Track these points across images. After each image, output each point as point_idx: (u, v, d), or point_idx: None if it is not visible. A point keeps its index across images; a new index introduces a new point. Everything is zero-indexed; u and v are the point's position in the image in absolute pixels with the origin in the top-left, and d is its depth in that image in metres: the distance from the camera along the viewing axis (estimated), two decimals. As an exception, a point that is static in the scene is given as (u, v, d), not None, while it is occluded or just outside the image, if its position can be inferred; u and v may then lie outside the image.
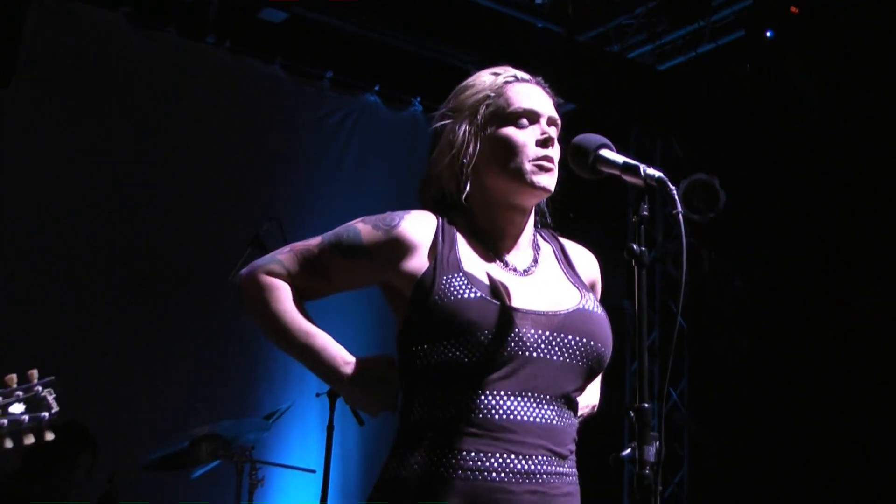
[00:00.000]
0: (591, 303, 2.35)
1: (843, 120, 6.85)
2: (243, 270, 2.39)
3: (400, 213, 2.36)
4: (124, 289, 6.55)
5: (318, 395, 5.44)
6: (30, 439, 2.43)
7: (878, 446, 6.54)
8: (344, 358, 2.30)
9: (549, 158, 2.33)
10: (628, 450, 1.89)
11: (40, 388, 2.48)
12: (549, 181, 2.33)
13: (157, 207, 6.77)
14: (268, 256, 2.40)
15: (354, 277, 2.37)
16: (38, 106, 6.46)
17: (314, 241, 2.38)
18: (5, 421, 2.43)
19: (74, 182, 6.52)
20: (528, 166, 2.31)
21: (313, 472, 5.67)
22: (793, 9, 6.47)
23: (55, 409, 2.47)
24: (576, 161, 2.22)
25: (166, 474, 5.33)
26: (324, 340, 2.31)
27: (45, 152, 6.46)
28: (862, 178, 6.90)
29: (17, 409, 2.44)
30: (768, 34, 6.62)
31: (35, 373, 2.50)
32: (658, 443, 1.88)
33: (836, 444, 6.73)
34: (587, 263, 2.54)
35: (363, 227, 2.35)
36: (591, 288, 2.47)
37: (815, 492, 6.73)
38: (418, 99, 8.03)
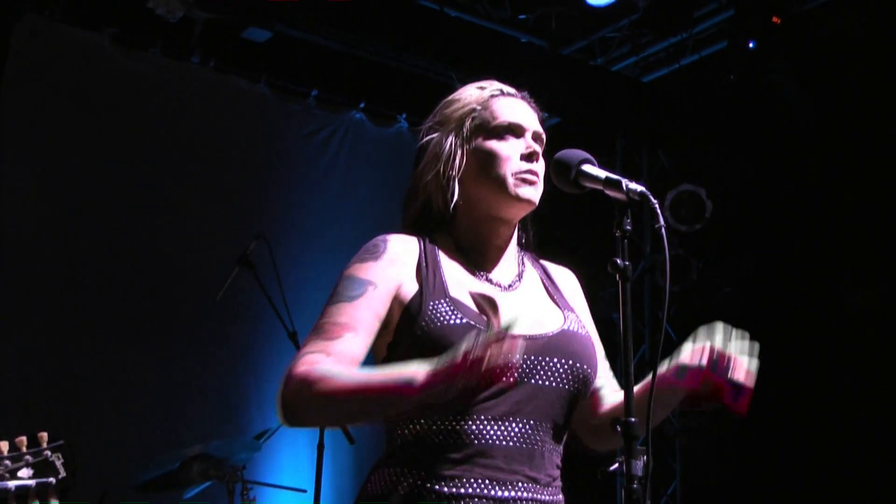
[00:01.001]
0: (575, 323, 2.35)
1: (829, 127, 6.88)
2: (289, 383, 2.13)
3: (381, 237, 2.33)
4: (112, 309, 6.53)
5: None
6: None
7: (874, 456, 6.54)
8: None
9: (533, 172, 2.33)
10: (616, 464, 1.89)
11: (49, 453, 2.51)
12: (532, 193, 2.33)
13: (143, 227, 6.76)
14: (295, 360, 2.17)
15: (375, 315, 2.24)
16: (22, 127, 6.46)
17: (322, 317, 2.24)
18: (13, 485, 2.46)
19: (60, 202, 6.50)
20: (512, 179, 2.31)
21: (304, 491, 5.65)
22: (774, 18, 6.50)
23: (62, 474, 2.51)
24: (558, 176, 2.23)
25: (158, 495, 5.30)
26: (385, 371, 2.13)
27: (30, 173, 6.45)
28: (849, 184, 6.93)
29: (24, 473, 2.47)
30: (750, 45, 6.65)
31: (45, 435, 2.53)
32: (646, 457, 1.88)
33: (829, 455, 6.72)
34: (569, 281, 2.55)
35: (353, 269, 2.28)
36: (575, 305, 2.48)
37: (815, 498, 6.73)
38: (404, 115, 8.04)
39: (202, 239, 6.91)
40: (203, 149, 7.12)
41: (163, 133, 6.96)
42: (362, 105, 7.89)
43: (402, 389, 2.00)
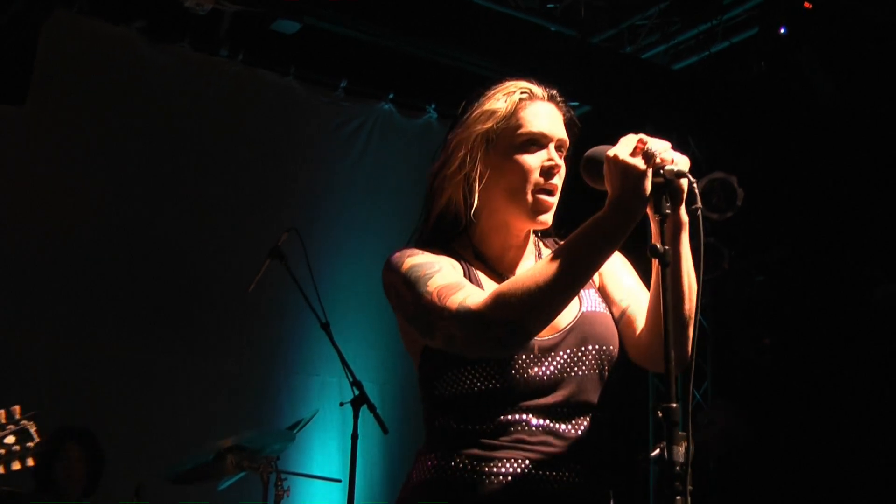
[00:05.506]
0: (593, 301, 2.35)
1: (863, 115, 6.81)
2: (484, 308, 2.06)
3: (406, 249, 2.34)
4: (143, 302, 6.58)
5: (341, 404, 5.43)
6: (17, 465, 2.94)
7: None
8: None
9: (552, 188, 2.32)
10: (657, 450, 1.87)
11: (25, 422, 2.98)
12: (546, 217, 2.32)
13: (174, 220, 6.80)
14: (445, 309, 2.11)
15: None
16: (53, 122, 6.51)
17: (426, 295, 2.16)
18: (2, 451, 2.93)
19: (91, 196, 6.56)
20: (530, 196, 2.30)
21: (339, 481, 5.67)
22: (806, 4, 6.43)
23: (37, 439, 2.98)
24: (590, 174, 2.17)
25: (192, 486, 5.34)
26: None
27: (61, 168, 6.52)
28: (882, 174, 6.86)
29: (9, 440, 2.95)
30: (782, 31, 6.58)
31: (18, 408, 3.00)
32: (686, 442, 1.87)
33: (862, 443, 6.68)
34: None
35: (410, 257, 2.27)
36: (603, 274, 2.43)
37: (842, 489, 6.69)
38: (433, 106, 8.03)
39: (231, 232, 6.95)
40: (232, 142, 7.16)
41: (191, 127, 6.99)
42: (391, 96, 7.90)
43: (604, 237, 2.05)
